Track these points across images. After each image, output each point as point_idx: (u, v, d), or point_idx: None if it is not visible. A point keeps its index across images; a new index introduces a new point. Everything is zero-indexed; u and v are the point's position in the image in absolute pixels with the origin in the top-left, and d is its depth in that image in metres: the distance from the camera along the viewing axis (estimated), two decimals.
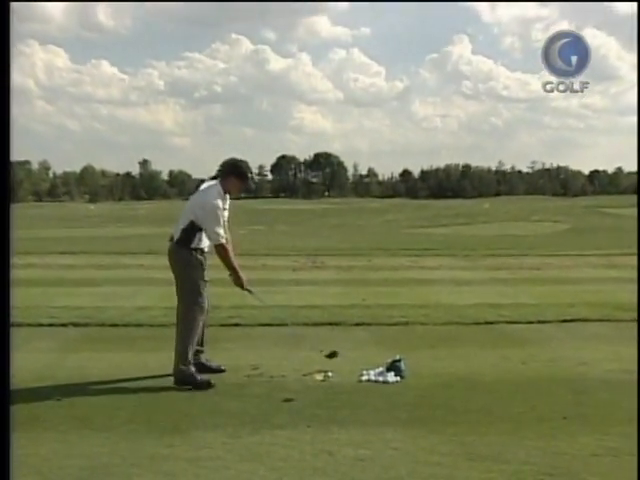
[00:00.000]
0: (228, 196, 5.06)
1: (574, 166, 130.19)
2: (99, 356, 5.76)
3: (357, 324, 7.22)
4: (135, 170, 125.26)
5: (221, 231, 4.90)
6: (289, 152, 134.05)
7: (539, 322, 7.37)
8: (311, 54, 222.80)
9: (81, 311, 7.82)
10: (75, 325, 7.08)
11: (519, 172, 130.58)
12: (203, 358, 5.21)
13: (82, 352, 5.94)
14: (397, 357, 5.16)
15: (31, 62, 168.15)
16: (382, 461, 3.47)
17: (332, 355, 5.14)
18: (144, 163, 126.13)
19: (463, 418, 4.15)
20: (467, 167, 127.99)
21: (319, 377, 5.00)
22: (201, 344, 5.19)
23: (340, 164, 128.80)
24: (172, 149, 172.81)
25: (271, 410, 4.30)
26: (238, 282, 5.06)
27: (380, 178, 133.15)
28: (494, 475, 3.29)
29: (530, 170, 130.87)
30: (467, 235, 31.21)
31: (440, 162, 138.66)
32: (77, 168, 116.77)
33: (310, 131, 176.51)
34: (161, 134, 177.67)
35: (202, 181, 5.34)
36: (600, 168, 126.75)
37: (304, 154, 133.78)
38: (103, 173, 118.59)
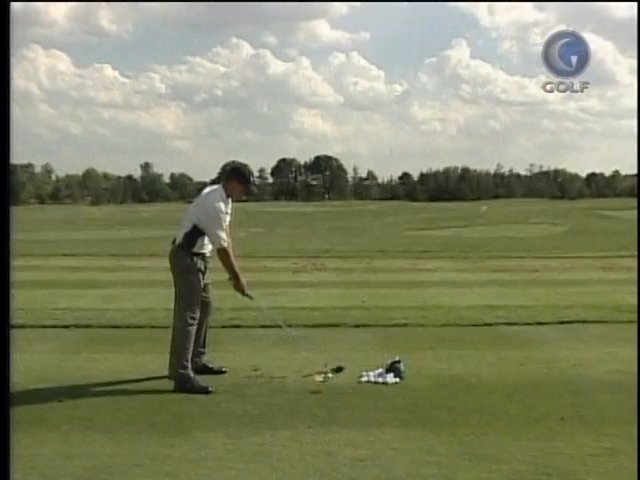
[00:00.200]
0: (230, 200, 5.10)
1: (572, 169, 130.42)
2: (101, 357, 5.80)
3: (357, 326, 7.27)
4: (137, 173, 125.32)
5: (223, 235, 4.93)
6: (289, 155, 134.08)
7: (537, 324, 7.41)
8: (311, 58, 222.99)
9: (83, 313, 7.87)
10: (77, 327, 7.12)
11: (517, 175, 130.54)
12: (205, 360, 5.25)
13: (84, 353, 5.98)
14: (397, 358, 5.19)
15: (34, 66, 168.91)
16: (382, 461, 3.50)
17: (338, 370, 5.16)
18: (146, 166, 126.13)
19: (462, 419, 4.18)
20: (466, 170, 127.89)
21: (319, 378, 5.02)
22: (203, 345, 5.23)
23: (340, 167, 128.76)
24: (173, 152, 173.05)
25: (272, 411, 4.33)
26: (239, 287, 5.06)
27: (380, 181, 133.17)
28: (492, 475, 3.32)
29: (528, 173, 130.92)
30: (466, 237, 31.24)
31: (439, 165, 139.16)
32: (80, 171, 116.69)
33: (310, 134, 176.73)
34: (162, 137, 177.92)
35: (205, 185, 5.38)
36: (597, 171, 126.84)
37: (304, 157, 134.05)
38: (105, 176, 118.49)
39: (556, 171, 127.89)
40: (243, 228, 29.79)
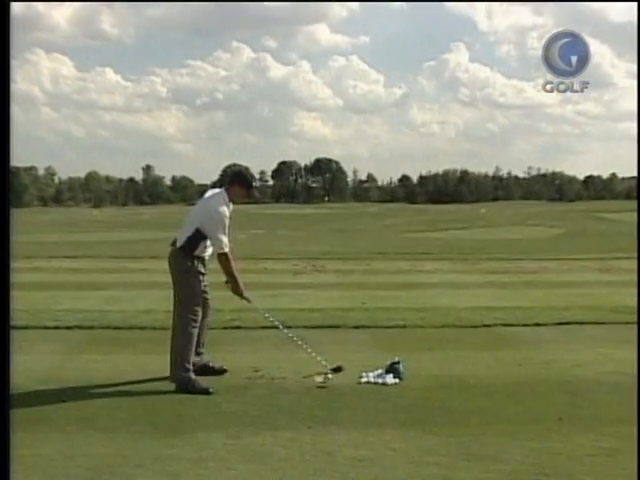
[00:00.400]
0: (231, 204, 5.14)
1: (569, 172, 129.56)
2: (103, 358, 5.82)
3: (356, 327, 7.29)
4: (138, 176, 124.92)
5: (226, 240, 4.97)
6: (290, 158, 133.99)
7: (535, 325, 7.44)
8: (311, 62, 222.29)
9: (86, 314, 7.89)
10: (80, 328, 7.16)
11: (516, 178, 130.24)
12: (206, 359, 5.28)
13: (87, 354, 6.01)
14: (396, 359, 5.22)
15: (37, 70, 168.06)
16: (381, 461, 3.53)
17: (337, 370, 5.20)
18: (147, 169, 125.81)
19: (460, 419, 4.22)
20: (465, 172, 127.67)
21: (319, 379, 5.05)
22: (202, 346, 5.25)
23: (340, 169, 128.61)
24: (175, 155, 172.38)
25: (272, 411, 4.36)
26: (237, 290, 5.11)
27: (379, 183, 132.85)
28: (491, 475, 3.35)
29: (526, 176, 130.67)
30: (464, 239, 31.16)
31: (438, 168, 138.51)
32: (82, 174, 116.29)
33: (310, 137, 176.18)
34: (164, 140, 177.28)
35: (206, 188, 5.42)
36: (595, 173, 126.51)
37: (304, 160, 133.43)
38: (107, 179, 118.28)
39: (554, 174, 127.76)
40: (243, 230, 29.77)
